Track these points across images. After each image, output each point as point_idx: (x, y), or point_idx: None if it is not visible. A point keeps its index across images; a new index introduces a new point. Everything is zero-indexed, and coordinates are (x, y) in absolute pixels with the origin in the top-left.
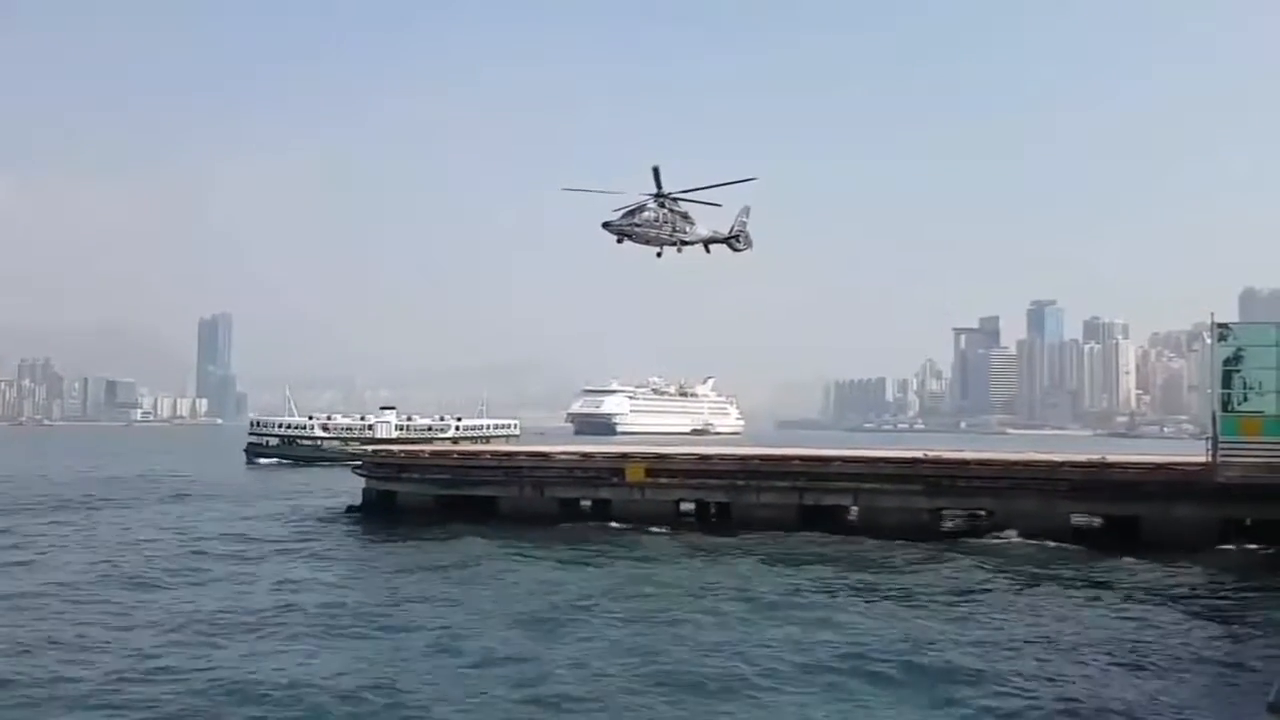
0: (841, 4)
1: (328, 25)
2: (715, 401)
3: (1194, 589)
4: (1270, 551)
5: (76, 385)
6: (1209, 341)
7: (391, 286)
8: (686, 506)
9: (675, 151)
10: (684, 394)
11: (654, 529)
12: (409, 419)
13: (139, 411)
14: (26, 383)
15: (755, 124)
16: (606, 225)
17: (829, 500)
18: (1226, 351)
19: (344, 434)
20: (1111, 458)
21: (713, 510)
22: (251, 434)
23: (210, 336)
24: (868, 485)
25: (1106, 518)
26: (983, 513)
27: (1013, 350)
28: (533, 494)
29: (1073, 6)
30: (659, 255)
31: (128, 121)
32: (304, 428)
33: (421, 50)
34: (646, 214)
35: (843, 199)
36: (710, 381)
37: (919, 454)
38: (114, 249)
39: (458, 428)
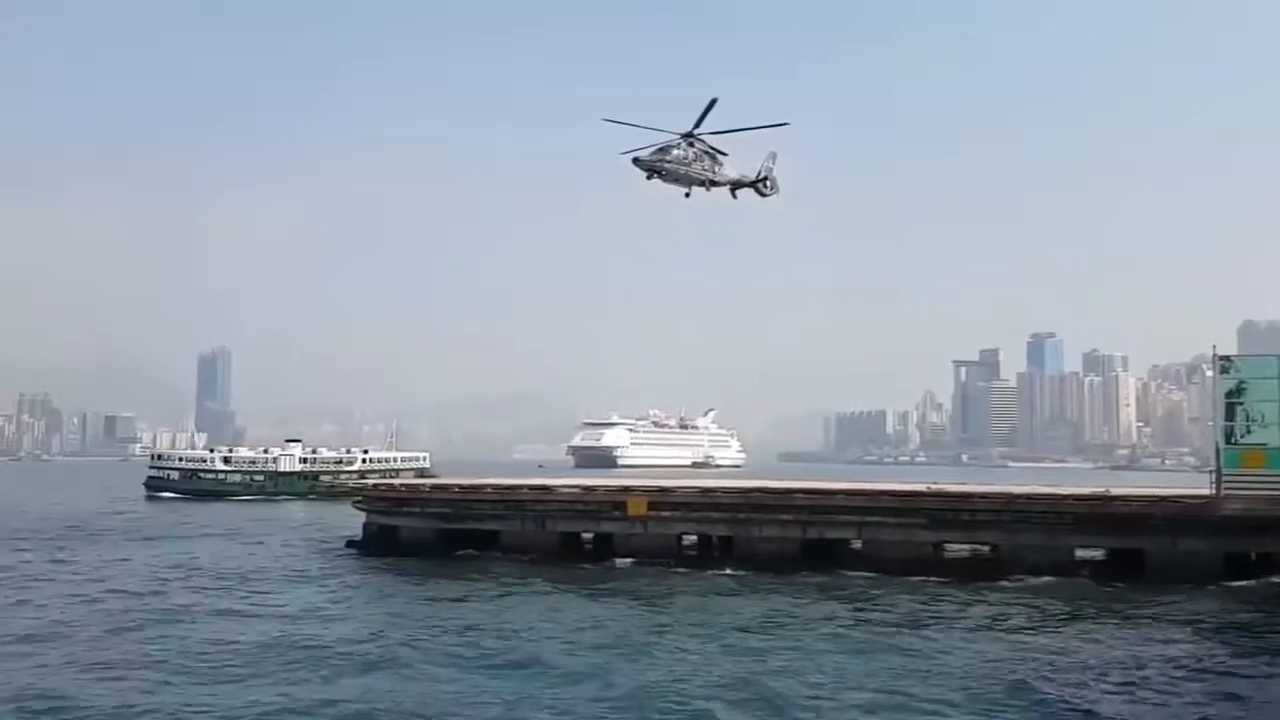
0: (834, 33)
1: (328, 53)
2: (716, 434)
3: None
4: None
5: (75, 420)
6: (1210, 374)
7: (390, 319)
8: (689, 540)
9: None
10: (685, 426)
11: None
12: (314, 452)
13: (138, 446)
14: (25, 417)
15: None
16: (636, 160)
17: (832, 534)
18: (1229, 384)
19: (247, 468)
20: (1115, 491)
21: (715, 544)
22: (152, 468)
23: (209, 371)
24: (871, 519)
25: (1111, 551)
26: (987, 547)
27: (1013, 382)
28: (534, 528)
29: (1045, 29)
30: (687, 195)
31: (125, 150)
32: (205, 461)
33: (423, 74)
34: (676, 151)
35: (841, 228)
36: (711, 414)
37: (922, 487)
38: (113, 283)
39: (365, 460)
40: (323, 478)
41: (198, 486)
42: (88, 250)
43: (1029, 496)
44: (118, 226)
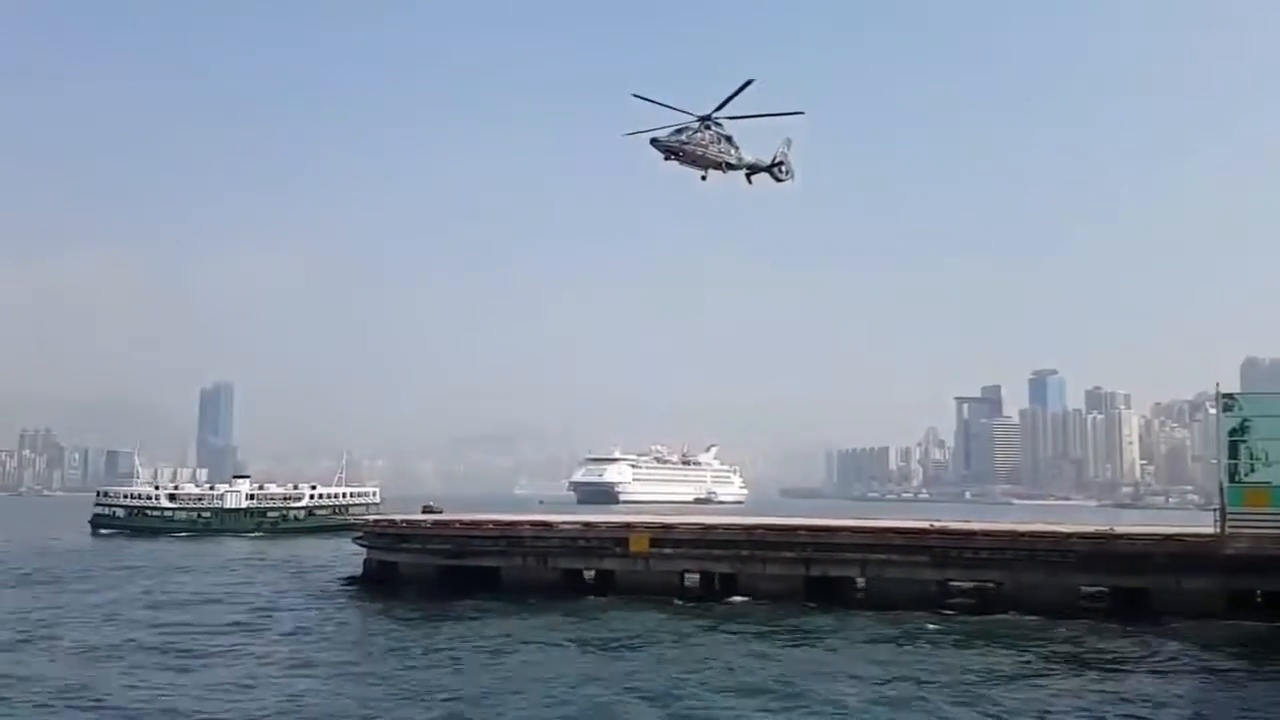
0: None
1: (323, 94)
2: (718, 470)
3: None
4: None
5: (77, 455)
6: (1214, 412)
7: (392, 354)
8: (691, 577)
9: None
10: (687, 462)
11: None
12: (260, 488)
13: (138, 481)
14: (27, 453)
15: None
16: (654, 142)
17: (835, 571)
18: (1232, 422)
19: (193, 504)
20: (1119, 529)
21: (717, 581)
22: (97, 504)
23: (211, 406)
24: (875, 556)
25: (1115, 590)
26: (991, 585)
27: (1015, 419)
28: (535, 564)
29: (1077, 71)
30: (704, 178)
31: (127, 188)
32: (150, 498)
33: (416, 119)
34: (693, 134)
35: (839, 261)
36: (713, 450)
37: (926, 524)
38: (116, 317)
39: (312, 496)
40: (270, 514)
41: (143, 523)
42: (92, 286)
43: (1033, 534)
44: (122, 263)
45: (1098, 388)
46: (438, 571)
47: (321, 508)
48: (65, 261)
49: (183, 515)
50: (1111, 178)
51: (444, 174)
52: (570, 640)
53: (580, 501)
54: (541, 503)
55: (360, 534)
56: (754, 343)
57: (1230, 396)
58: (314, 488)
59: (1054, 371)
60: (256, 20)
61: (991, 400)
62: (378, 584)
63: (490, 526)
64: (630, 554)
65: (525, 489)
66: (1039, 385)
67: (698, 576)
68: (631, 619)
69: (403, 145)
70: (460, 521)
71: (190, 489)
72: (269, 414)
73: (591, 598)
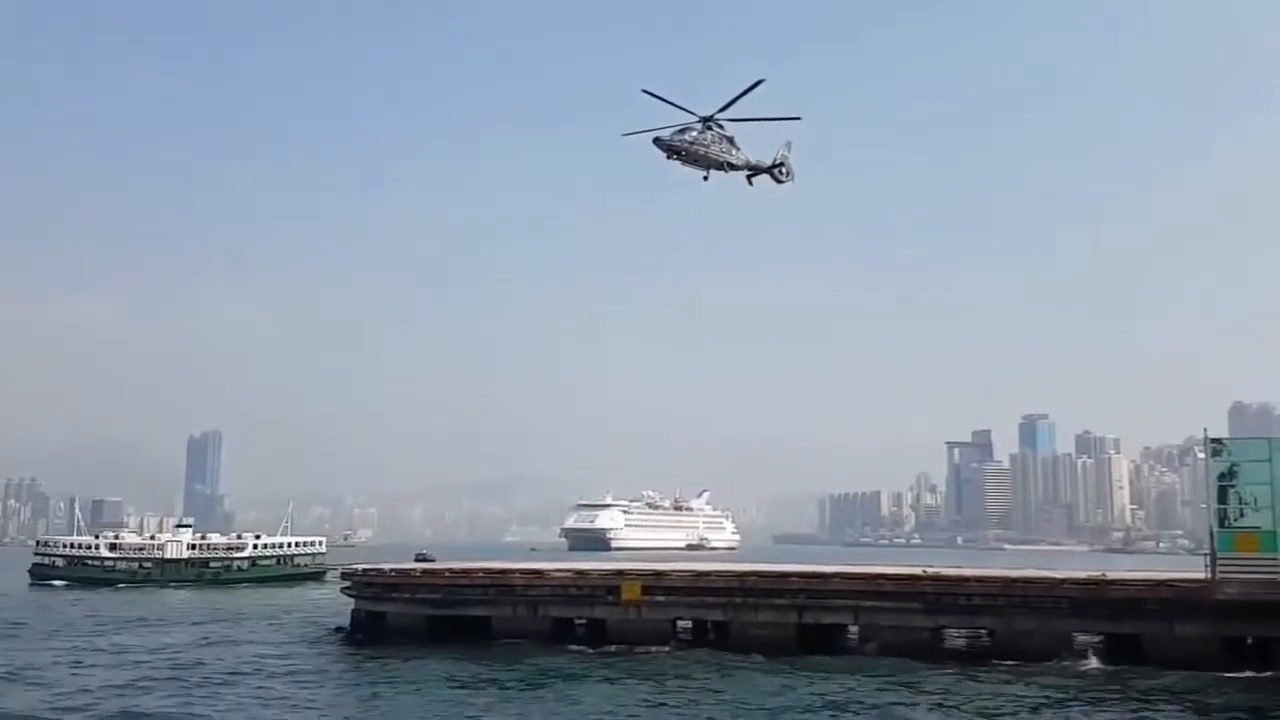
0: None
1: (305, 135)
2: (710, 516)
3: None
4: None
5: (62, 505)
6: (1202, 456)
7: (382, 402)
8: (683, 625)
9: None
10: (679, 508)
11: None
12: (203, 538)
13: (124, 531)
14: (12, 502)
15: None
16: (657, 141)
17: (828, 619)
18: (1221, 467)
19: (134, 554)
20: (1111, 574)
21: (710, 629)
22: (37, 554)
23: (199, 454)
24: (867, 603)
25: (1107, 636)
26: (984, 632)
27: (1006, 464)
28: (526, 613)
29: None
30: (705, 179)
31: (119, 242)
32: (91, 547)
33: (414, 171)
34: (695, 133)
35: (831, 312)
36: (705, 495)
37: (918, 571)
38: (102, 365)
39: (256, 546)
40: (212, 564)
41: (83, 574)
42: (78, 334)
43: (1025, 580)
44: (110, 314)
45: (1087, 432)
46: (427, 621)
47: (265, 558)
48: (50, 309)
49: (123, 565)
50: (1101, 217)
51: (430, 217)
52: None
53: (572, 548)
54: (534, 550)
55: (349, 584)
56: (745, 386)
57: (1219, 441)
58: (258, 537)
59: (1044, 415)
60: (238, 56)
61: (982, 445)
62: (366, 635)
63: (481, 575)
64: (622, 602)
65: (516, 535)
66: (1029, 429)
67: (690, 624)
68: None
69: (392, 185)
70: (450, 570)
71: (131, 538)
72: (257, 460)
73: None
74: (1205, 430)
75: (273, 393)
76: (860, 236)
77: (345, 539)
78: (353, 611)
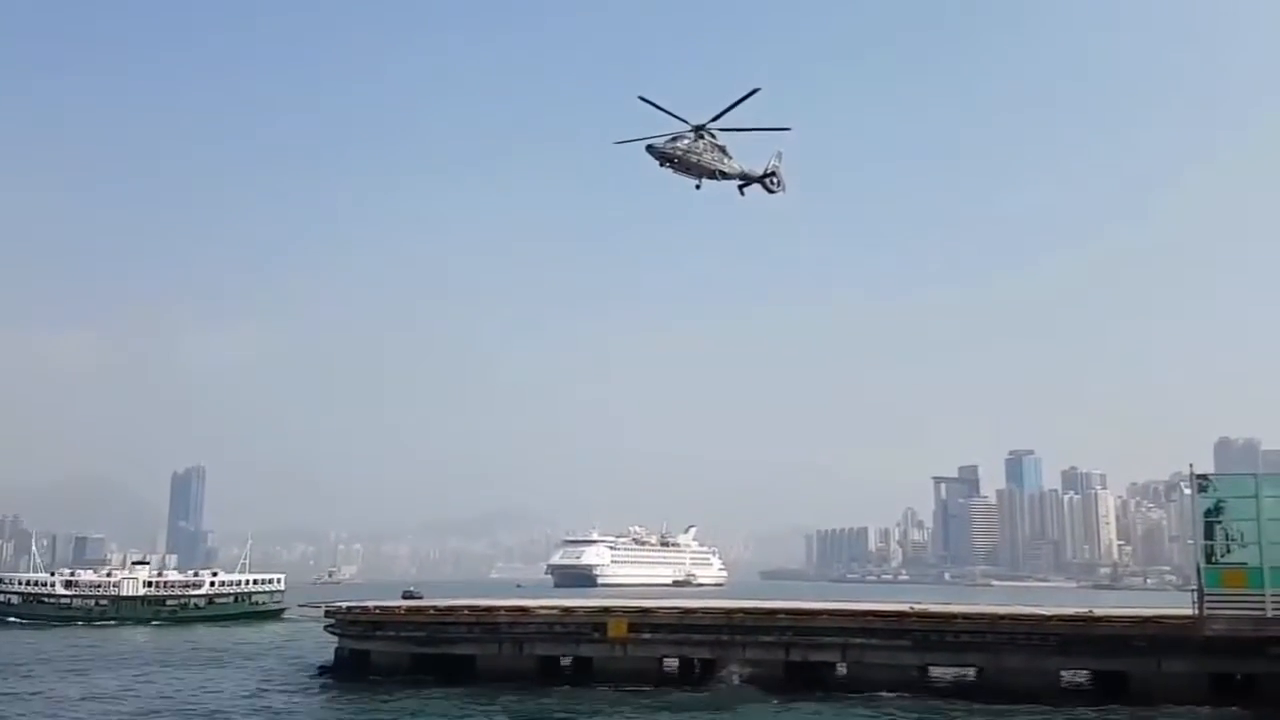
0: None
1: (288, 177)
2: (697, 552)
3: None
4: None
5: (45, 541)
6: (1189, 493)
7: (368, 438)
8: (670, 663)
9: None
10: (666, 544)
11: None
12: (160, 574)
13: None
14: None
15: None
16: (650, 149)
17: (816, 656)
18: (1207, 503)
19: (90, 592)
20: (1098, 611)
21: (697, 666)
22: None
23: (183, 490)
24: (856, 640)
25: (1095, 673)
26: (972, 669)
27: (993, 500)
28: (511, 651)
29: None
30: (698, 188)
31: (96, 272)
32: (47, 585)
33: (392, 208)
34: (687, 141)
35: (823, 341)
36: (692, 531)
37: (906, 608)
38: (86, 401)
39: (213, 584)
40: (169, 602)
41: (39, 612)
42: (62, 370)
43: (1013, 617)
44: (91, 351)
45: (1074, 467)
46: (412, 660)
47: (223, 596)
48: (35, 345)
49: (79, 603)
50: (1086, 252)
51: (409, 252)
52: None
53: (557, 585)
54: (519, 586)
55: (333, 621)
56: (732, 419)
57: (1204, 478)
58: (215, 574)
59: (1030, 451)
60: (219, 98)
61: (969, 480)
62: (350, 673)
63: (466, 612)
64: (608, 639)
65: (501, 572)
66: (1015, 465)
67: (677, 662)
68: None
69: (372, 222)
70: (435, 608)
71: (88, 576)
72: (242, 496)
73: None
74: (1191, 466)
75: (257, 429)
76: (855, 279)
77: (330, 575)
78: (336, 649)
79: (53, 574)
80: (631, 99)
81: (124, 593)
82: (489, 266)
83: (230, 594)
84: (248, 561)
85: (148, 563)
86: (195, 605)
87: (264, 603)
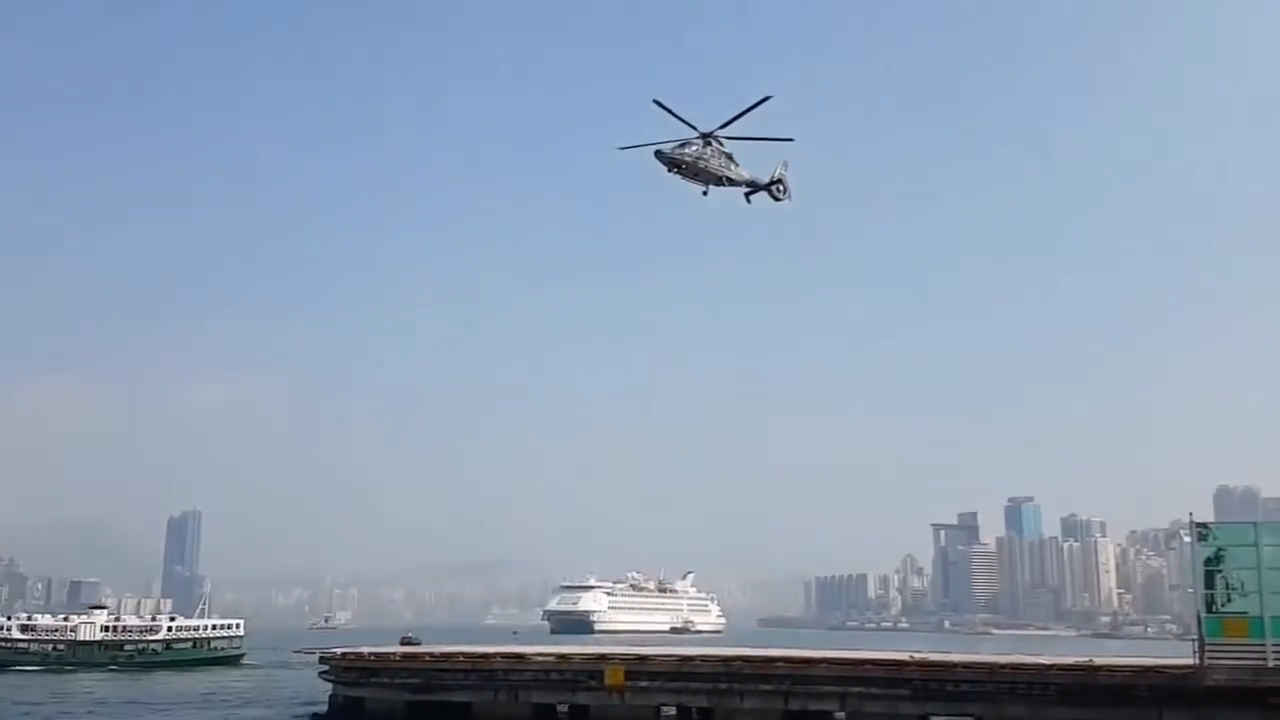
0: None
1: (280, 221)
2: (695, 598)
3: None
4: None
5: (40, 586)
6: (1188, 541)
7: (363, 484)
8: (668, 711)
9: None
10: (663, 590)
11: None
12: (117, 619)
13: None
14: None
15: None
16: (659, 154)
17: (814, 705)
18: (1207, 551)
19: (46, 636)
20: (1099, 660)
21: (695, 715)
22: None
23: (179, 535)
24: (854, 689)
25: None
26: (971, 719)
27: (992, 547)
28: (508, 699)
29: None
30: (705, 194)
31: (92, 315)
32: (2, 629)
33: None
34: (695, 147)
35: (817, 388)
36: (690, 577)
37: (905, 656)
38: (82, 446)
39: (170, 628)
40: (126, 647)
41: None
42: (57, 417)
43: (1013, 666)
44: (89, 392)
45: (1073, 515)
46: (407, 707)
47: (181, 641)
48: (32, 391)
49: (36, 648)
50: (1082, 292)
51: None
52: None
53: (554, 631)
54: (515, 633)
55: (326, 668)
56: (731, 467)
57: (1204, 526)
58: (173, 618)
59: (1029, 498)
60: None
61: (968, 527)
62: None
63: (461, 659)
64: (605, 687)
65: (497, 618)
66: (1014, 512)
67: (674, 710)
68: None
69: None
70: (430, 654)
71: (45, 620)
72: (237, 542)
73: None
74: (1190, 514)
75: (253, 474)
76: (850, 329)
77: (325, 621)
78: (330, 696)
79: (9, 618)
80: (624, 106)
81: (81, 637)
82: (487, 316)
83: (189, 639)
84: (206, 606)
85: (105, 607)
86: (153, 650)
87: (223, 648)
